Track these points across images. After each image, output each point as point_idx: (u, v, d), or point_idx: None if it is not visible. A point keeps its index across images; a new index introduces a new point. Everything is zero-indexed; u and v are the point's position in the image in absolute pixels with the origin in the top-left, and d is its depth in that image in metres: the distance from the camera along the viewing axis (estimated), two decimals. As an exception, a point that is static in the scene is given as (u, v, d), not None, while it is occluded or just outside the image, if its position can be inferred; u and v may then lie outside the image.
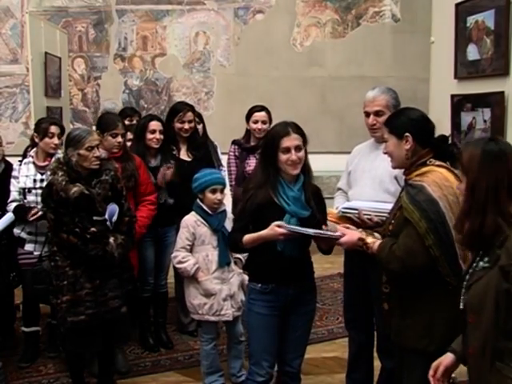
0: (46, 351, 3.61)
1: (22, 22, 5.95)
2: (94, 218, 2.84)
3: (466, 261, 1.92)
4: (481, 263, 1.72)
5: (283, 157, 2.41)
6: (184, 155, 3.74)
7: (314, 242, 2.48)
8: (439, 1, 5.38)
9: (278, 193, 2.44)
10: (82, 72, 6.23)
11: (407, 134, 2.16)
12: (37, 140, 3.44)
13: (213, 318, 3.08)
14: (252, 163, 3.89)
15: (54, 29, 5.42)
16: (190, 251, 3.10)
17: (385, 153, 2.28)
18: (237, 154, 4.08)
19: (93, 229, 2.82)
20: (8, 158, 3.71)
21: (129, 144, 3.61)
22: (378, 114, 2.68)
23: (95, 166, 2.88)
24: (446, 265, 2.01)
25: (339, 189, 2.97)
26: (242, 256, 3.08)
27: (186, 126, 3.69)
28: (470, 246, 1.80)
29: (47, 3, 6.09)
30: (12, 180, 3.41)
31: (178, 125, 3.69)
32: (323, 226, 2.38)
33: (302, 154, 2.43)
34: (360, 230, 2.34)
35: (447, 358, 1.83)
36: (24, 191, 3.37)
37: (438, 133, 2.24)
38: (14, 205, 3.36)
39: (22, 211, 3.31)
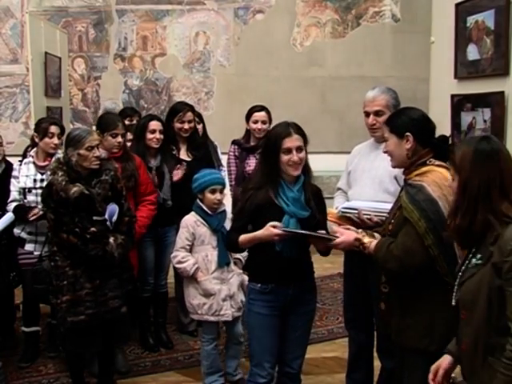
0: (46, 351, 3.61)
1: (22, 21, 5.93)
2: (94, 217, 2.84)
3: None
4: (473, 260, 1.74)
5: (284, 157, 2.40)
6: (184, 155, 3.74)
7: (310, 243, 2.47)
8: (439, 1, 5.38)
9: (277, 193, 2.44)
10: (81, 72, 6.21)
11: (408, 133, 2.16)
12: (37, 140, 3.44)
13: (212, 318, 3.08)
14: (252, 163, 3.89)
15: (54, 29, 5.42)
16: (190, 251, 3.11)
17: (385, 152, 2.28)
18: (237, 153, 4.08)
19: (93, 229, 2.82)
20: (8, 158, 3.72)
21: (129, 144, 3.61)
22: (377, 113, 2.69)
23: (95, 166, 2.88)
24: (445, 264, 2.01)
25: (339, 189, 2.97)
26: (242, 256, 3.08)
27: (186, 125, 3.69)
28: (457, 243, 1.82)
29: (47, 3, 6.08)
30: (12, 180, 3.42)
31: (177, 125, 3.69)
32: (318, 231, 2.38)
33: (303, 154, 2.43)
34: (360, 230, 2.34)
35: (445, 360, 1.84)
36: (24, 191, 3.38)
37: (438, 133, 2.25)
38: (14, 205, 3.36)
39: (22, 211, 3.31)
